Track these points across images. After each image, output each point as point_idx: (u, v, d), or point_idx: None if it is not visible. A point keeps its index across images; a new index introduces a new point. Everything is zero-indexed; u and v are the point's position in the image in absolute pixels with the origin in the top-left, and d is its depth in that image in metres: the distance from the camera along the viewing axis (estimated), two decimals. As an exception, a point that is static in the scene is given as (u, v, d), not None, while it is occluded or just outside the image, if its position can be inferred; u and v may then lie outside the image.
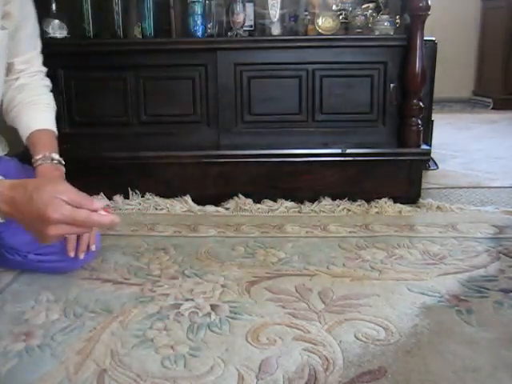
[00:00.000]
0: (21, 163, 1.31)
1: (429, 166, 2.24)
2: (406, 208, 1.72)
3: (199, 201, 1.78)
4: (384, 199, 1.76)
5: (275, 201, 1.78)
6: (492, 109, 4.14)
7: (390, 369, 0.88)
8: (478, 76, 4.57)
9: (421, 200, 1.78)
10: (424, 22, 1.71)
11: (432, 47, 2.00)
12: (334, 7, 1.92)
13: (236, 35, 1.82)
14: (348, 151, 1.76)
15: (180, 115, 1.85)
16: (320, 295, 1.14)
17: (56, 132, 1.27)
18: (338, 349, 0.94)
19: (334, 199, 1.78)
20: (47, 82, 1.32)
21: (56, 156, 1.21)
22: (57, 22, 1.79)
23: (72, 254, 1.16)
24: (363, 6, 1.88)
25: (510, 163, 2.38)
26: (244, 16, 1.81)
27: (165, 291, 1.17)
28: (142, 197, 1.80)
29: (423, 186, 1.85)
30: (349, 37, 1.83)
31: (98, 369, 0.89)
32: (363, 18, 1.84)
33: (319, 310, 1.08)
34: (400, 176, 1.79)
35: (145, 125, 1.87)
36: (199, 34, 1.81)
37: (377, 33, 1.80)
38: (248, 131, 1.85)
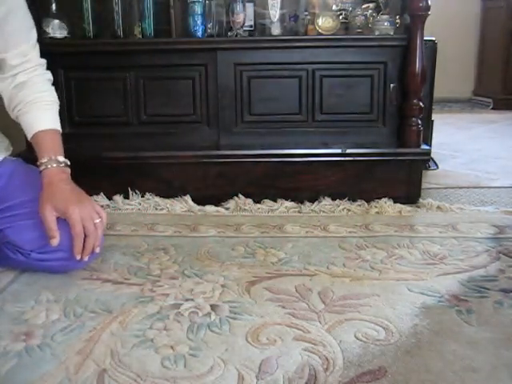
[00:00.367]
0: (25, 163, 1.31)
1: (429, 166, 2.24)
2: (406, 208, 1.72)
3: (199, 201, 1.78)
4: (384, 199, 1.76)
5: (275, 201, 1.78)
6: (492, 109, 4.14)
7: (390, 369, 0.88)
8: (477, 76, 4.57)
9: (421, 200, 1.78)
10: (424, 22, 1.71)
11: (432, 47, 2.00)
12: (334, 7, 1.92)
13: (236, 35, 1.82)
14: (348, 151, 1.76)
15: (180, 115, 1.85)
16: (320, 295, 1.14)
17: (60, 129, 1.26)
18: (338, 349, 0.94)
19: (334, 199, 1.78)
20: (48, 75, 1.28)
21: (61, 158, 1.21)
22: (57, 21, 1.79)
23: (79, 257, 1.16)
24: (363, 6, 1.88)
25: (510, 163, 2.38)
26: (244, 16, 1.81)
27: (165, 291, 1.17)
28: (142, 197, 1.80)
29: (423, 186, 1.85)
30: (349, 37, 1.83)
31: (98, 369, 0.89)
32: (363, 18, 1.84)
33: (319, 310, 1.08)
34: (400, 176, 1.79)
35: (145, 125, 1.87)
36: (199, 34, 1.81)
37: (377, 33, 1.80)
38: (248, 131, 1.85)
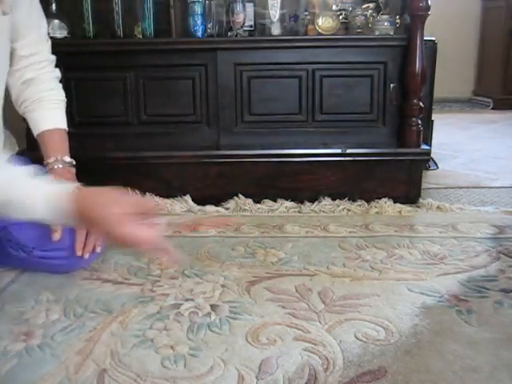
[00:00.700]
0: (30, 162, 1.31)
1: (429, 166, 2.24)
2: (406, 208, 1.72)
3: (199, 201, 1.78)
4: (384, 199, 1.76)
5: (275, 201, 1.78)
6: (492, 109, 4.14)
7: (390, 369, 0.88)
8: (477, 76, 4.57)
9: (421, 200, 1.78)
10: (424, 22, 1.71)
11: (432, 47, 2.00)
12: (334, 7, 1.92)
13: (236, 35, 1.82)
14: (348, 151, 1.76)
15: (180, 115, 1.85)
16: (320, 295, 1.14)
17: (66, 128, 1.26)
18: (338, 349, 0.94)
19: (333, 199, 1.78)
20: (56, 73, 1.28)
21: (67, 158, 1.21)
22: (57, 22, 1.78)
23: (79, 253, 1.16)
24: (363, 6, 1.88)
25: (510, 163, 2.38)
26: (244, 16, 1.81)
27: (165, 291, 1.17)
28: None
29: (423, 186, 1.85)
30: (349, 37, 1.83)
31: (98, 369, 0.89)
32: (363, 18, 1.84)
33: (319, 310, 1.08)
34: (400, 176, 1.79)
35: (145, 125, 1.87)
36: (199, 34, 1.81)
37: (377, 33, 1.80)
38: (248, 131, 1.85)
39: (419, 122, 1.78)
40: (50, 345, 0.96)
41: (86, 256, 1.18)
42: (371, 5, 1.86)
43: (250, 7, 1.89)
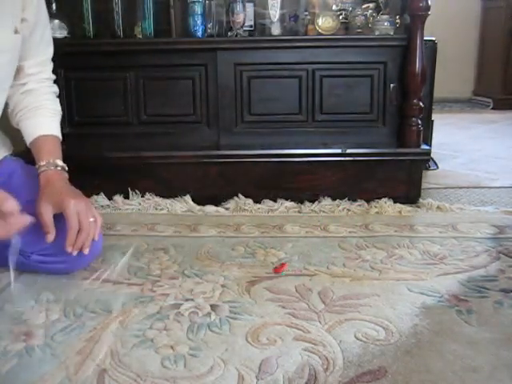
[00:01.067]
0: (25, 164, 1.31)
1: (429, 166, 2.24)
2: (406, 208, 1.72)
3: (199, 201, 1.78)
4: (384, 199, 1.76)
5: (275, 201, 1.78)
6: (492, 109, 4.14)
7: (390, 369, 0.88)
8: (477, 76, 4.57)
9: (421, 200, 1.78)
10: (424, 22, 1.71)
11: (432, 47, 2.00)
12: (334, 7, 1.92)
13: (236, 35, 1.82)
14: (348, 151, 1.76)
15: (180, 115, 1.85)
16: (320, 295, 1.14)
17: (60, 137, 1.28)
18: (338, 349, 0.94)
19: (334, 199, 1.78)
20: (55, 88, 1.33)
21: (60, 162, 1.21)
22: (57, 22, 1.79)
23: (70, 249, 1.13)
24: (363, 6, 1.88)
25: (510, 163, 2.38)
26: (244, 16, 1.81)
27: (165, 291, 1.17)
28: (142, 197, 1.80)
29: (423, 186, 1.85)
30: (349, 37, 1.83)
31: (98, 369, 0.89)
32: (363, 18, 1.84)
33: (319, 310, 1.08)
34: (400, 176, 1.79)
35: (145, 125, 1.87)
36: (199, 34, 1.81)
37: (377, 33, 1.80)
38: (248, 131, 1.85)
39: (419, 122, 1.78)
40: (49, 345, 0.96)
41: (75, 253, 1.15)
42: (371, 5, 1.87)
43: (249, 7, 1.89)
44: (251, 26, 1.92)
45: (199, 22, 1.80)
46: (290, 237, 1.50)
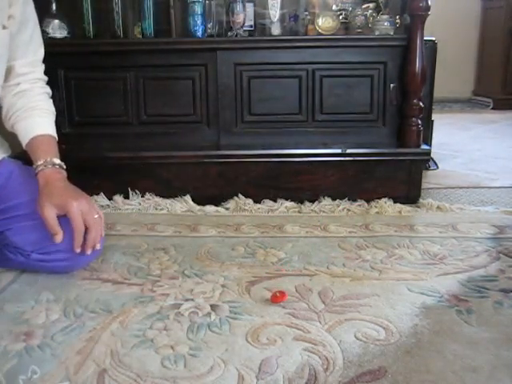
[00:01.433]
0: (23, 165, 1.31)
1: (429, 166, 2.24)
2: (405, 208, 1.72)
3: (199, 201, 1.78)
4: (384, 199, 1.76)
5: (275, 201, 1.78)
6: (492, 109, 4.14)
7: (390, 369, 0.88)
8: (477, 76, 4.57)
9: (421, 200, 1.78)
10: (424, 22, 1.71)
11: (432, 47, 2.00)
12: (334, 7, 1.92)
13: (236, 35, 1.82)
14: (348, 151, 1.76)
15: (180, 115, 1.85)
16: (320, 295, 1.14)
17: (56, 137, 1.27)
18: (338, 349, 0.94)
19: (334, 199, 1.78)
20: (47, 89, 1.32)
21: (57, 161, 1.21)
22: (57, 21, 1.79)
23: (78, 250, 1.16)
24: (363, 6, 1.88)
25: (510, 163, 2.38)
26: (244, 16, 1.81)
27: (165, 291, 1.17)
28: (142, 197, 1.80)
29: (423, 185, 1.85)
30: (349, 37, 1.83)
31: (98, 369, 0.89)
32: (363, 18, 1.84)
33: (319, 310, 1.08)
34: (400, 176, 1.79)
35: (145, 125, 1.87)
36: (199, 34, 1.81)
37: (377, 33, 1.80)
38: (248, 131, 1.85)
39: (419, 122, 1.78)
40: (49, 345, 0.96)
41: (89, 252, 1.17)
42: (371, 5, 1.86)
43: (249, 7, 1.89)
44: (251, 26, 1.92)
45: (199, 22, 1.80)
46: (289, 237, 1.50)
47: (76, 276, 1.24)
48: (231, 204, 1.76)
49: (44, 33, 1.77)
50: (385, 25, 1.79)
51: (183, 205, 1.76)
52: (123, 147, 1.83)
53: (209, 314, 1.07)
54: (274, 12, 1.83)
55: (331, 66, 1.81)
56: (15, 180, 1.25)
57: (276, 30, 1.85)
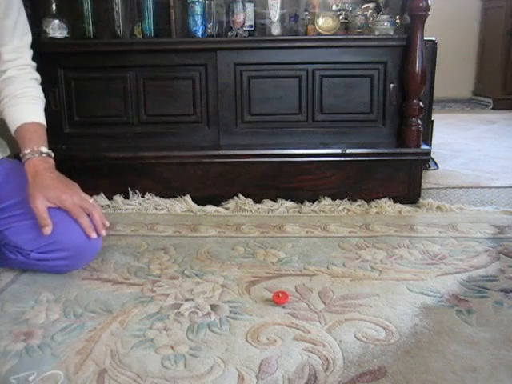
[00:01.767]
0: (22, 165, 1.31)
1: (429, 166, 2.24)
2: (405, 208, 1.72)
3: (199, 201, 1.78)
4: (384, 199, 1.76)
5: (275, 201, 1.78)
6: (492, 109, 4.14)
7: (390, 369, 0.88)
8: (478, 76, 4.57)
9: (421, 200, 1.78)
10: (424, 22, 1.71)
11: (432, 47, 2.00)
12: (334, 7, 1.92)
13: (236, 35, 1.82)
14: (348, 151, 1.76)
15: (180, 115, 1.85)
16: (320, 295, 1.14)
17: (45, 124, 1.26)
18: (338, 349, 0.94)
19: (333, 199, 1.78)
20: (36, 75, 1.31)
21: (44, 149, 1.21)
22: (57, 21, 1.78)
23: (94, 235, 1.17)
24: (363, 6, 1.88)
25: (510, 163, 2.38)
26: (244, 16, 1.81)
27: (165, 291, 1.17)
28: (142, 197, 1.80)
29: (423, 185, 1.85)
30: (349, 37, 1.83)
31: (98, 369, 0.89)
32: (363, 18, 1.84)
33: (319, 310, 1.08)
34: (400, 176, 1.79)
35: (145, 125, 1.87)
36: (199, 34, 1.81)
37: (377, 33, 1.80)
38: (248, 131, 1.85)
39: (419, 122, 1.78)
40: (49, 345, 0.96)
41: (104, 233, 1.19)
42: (371, 5, 1.86)
43: (249, 7, 1.89)
44: (251, 26, 1.92)
45: (199, 22, 1.80)
46: (290, 237, 1.50)
47: (76, 276, 1.24)
48: (231, 204, 1.76)
49: (44, 33, 1.78)
50: (385, 25, 1.79)
51: (183, 205, 1.76)
52: (123, 147, 1.83)
53: (209, 314, 1.07)
54: (274, 12, 1.83)
55: (331, 66, 1.81)
56: (14, 179, 1.25)
57: (276, 30, 1.85)
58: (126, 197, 1.81)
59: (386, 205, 1.73)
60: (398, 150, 1.79)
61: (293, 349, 0.94)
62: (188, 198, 1.78)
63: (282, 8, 1.85)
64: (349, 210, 1.72)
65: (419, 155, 1.80)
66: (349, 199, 1.78)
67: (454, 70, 4.36)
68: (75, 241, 1.17)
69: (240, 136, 1.85)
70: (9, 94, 1.24)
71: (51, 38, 1.79)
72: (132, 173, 1.81)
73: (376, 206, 1.73)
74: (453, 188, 1.99)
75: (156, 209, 1.75)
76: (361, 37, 1.82)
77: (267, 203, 1.77)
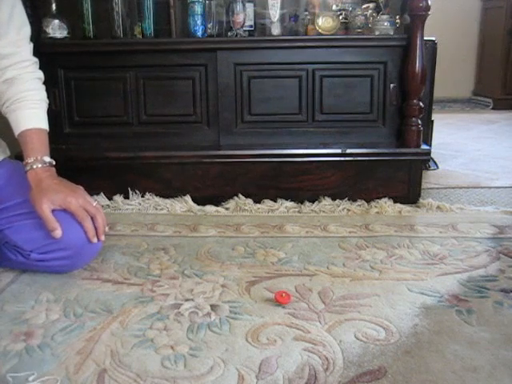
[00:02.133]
0: (23, 165, 1.31)
1: (429, 166, 2.24)
2: (405, 208, 1.72)
3: (199, 201, 1.78)
4: (384, 199, 1.76)
5: (275, 201, 1.78)
6: (492, 109, 4.14)
7: (390, 369, 0.88)
8: (477, 76, 4.57)
9: (421, 200, 1.78)
10: (424, 22, 1.71)
11: (432, 47, 2.00)
12: (334, 7, 1.92)
13: (236, 35, 1.82)
14: (348, 151, 1.76)
15: (180, 115, 1.85)
16: (320, 295, 1.14)
17: (47, 128, 1.25)
18: (338, 349, 0.94)
19: (333, 199, 1.78)
20: (39, 73, 1.28)
21: (47, 159, 1.21)
22: (57, 21, 1.78)
23: (95, 240, 1.18)
24: (363, 6, 1.88)
25: (510, 163, 2.38)
26: (244, 16, 1.81)
27: (165, 291, 1.17)
28: (142, 197, 1.80)
29: (423, 185, 1.85)
30: (349, 37, 1.83)
31: (98, 369, 0.89)
32: (363, 18, 1.84)
33: (319, 310, 1.08)
34: (400, 176, 1.79)
35: (145, 125, 1.87)
36: (199, 34, 1.81)
37: (377, 33, 1.80)
38: (248, 131, 1.85)
39: (419, 122, 1.78)
40: (49, 345, 0.96)
41: (103, 238, 1.20)
42: (371, 5, 1.86)
43: (249, 7, 1.89)
44: (251, 26, 1.92)
45: (199, 22, 1.80)
46: (290, 237, 1.50)
47: (76, 276, 1.24)
48: (231, 204, 1.76)
49: (44, 33, 1.77)
50: (385, 25, 1.79)
51: (183, 205, 1.76)
52: (123, 147, 1.83)
53: (209, 314, 1.07)
54: (274, 12, 1.83)
55: (331, 65, 1.81)
56: (16, 180, 1.25)
57: (276, 30, 1.85)
58: (126, 197, 1.81)
59: (386, 205, 1.73)
60: (397, 150, 1.79)
61: (293, 349, 0.94)
62: (188, 198, 1.78)
63: (282, 8, 1.85)
64: (349, 209, 1.72)
65: (419, 155, 1.80)
66: (349, 199, 1.78)
67: (454, 70, 4.36)
68: (75, 240, 1.17)
69: (240, 136, 1.85)
70: (10, 98, 1.22)
71: (51, 38, 1.79)
72: (132, 173, 1.81)
73: (376, 206, 1.73)
74: (453, 188, 1.99)
75: (156, 209, 1.75)
76: (361, 37, 1.82)
77: (267, 203, 1.77)
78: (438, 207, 1.73)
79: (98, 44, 1.83)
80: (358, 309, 1.08)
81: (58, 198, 1.14)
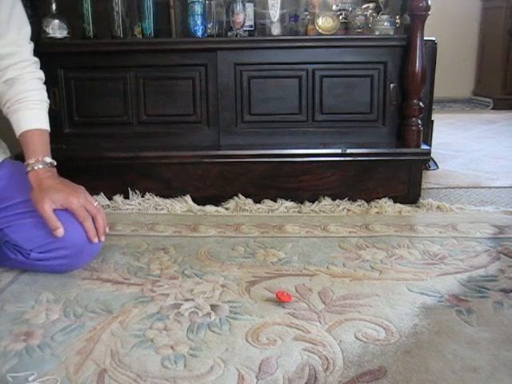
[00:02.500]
0: (23, 166, 1.31)
1: (429, 166, 2.24)
2: (405, 208, 1.72)
3: (199, 201, 1.78)
4: (384, 199, 1.76)
5: (275, 201, 1.78)
6: (492, 109, 4.14)
7: (390, 369, 0.88)
8: (477, 76, 4.57)
9: (421, 200, 1.78)
10: (424, 22, 1.71)
11: (432, 47, 2.00)
12: (334, 7, 1.92)
13: (236, 35, 1.82)
14: (348, 151, 1.76)
15: (180, 115, 1.85)
16: (320, 295, 1.14)
17: (48, 129, 1.25)
18: (338, 349, 0.94)
19: (333, 199, 1.78)
20: (39, 73, 1.28)
21: (48, 159, 1.21)
22: (57, 21, 1.78)
23: (96, 240, 1.18)
24: (363, 6, 1.88)
25: (510, 163, 2.38)
26: (244, 16, 1.81)
27: (165, 291, 1.17)
28: (142, 197, 1.80)
29: (423, 185, 1.85)
30: (349, 37, 1.83)
31: (98, 369, 0.89)
32: (363, 18, 1.84)
33: (319, 310, 1.08)
34: (400, 176, 1.79)
35: (145, 125, 1.87)
36: (199, 34, 1.81)
37: (377, 33, 1.80)
38: (248, 131, 1.85)
39: (419, 122, 1.78)
40: (49, 345, 0.96)
41: (103, 239, 1.20)
42: (371, 5, 1.86)
43: (249, 7, 1.89)
44: (251, 26, 1.92)
45: (199, 22, 1.80)
46: (290, 237, 1.50)
47: (76, 276, 1.24)
48: (231, 204, 1.76)
49: (44, 33, 1.77)
50: (385, 25, 1.79)
51: (183, 205, 1.76)
52: (123, 147, 1.83)
53: (209, 314, 1.07)
54: (274, 12, 1.83)
55: (331, 65, 1.81)
56: (16, 180, 1.26)
57: (276, 30, 1.85)
58: (126, 197, 1.81)
59: (386, 205, 1.73)
60: (397, 150, 1.79)
61: (293, 349, 0.94)
62: (188, 198, 1.78)
63: (282, 8, 1.85)
64: (349, 210, 1.72)
65: (419, 155, 1.80)
66: (349, 199, 1.78)
67: (454, 70, 4.36)
68: (76, 240, 1.18)
69: (240, 136, 1.85)
70: (11, 98, 1.22)
71: (51, 37, 1.78)
72: (132, 173, 1.81)
73: (376, 206, 1.73)
74: (453, 188, 1.99)
75: (156, 209, 1.75)
76: (361, 37, 1.82)
77: (267, 203, 1.77)
78: (438, 207, 1.73)
79: (98, 44, 1.83)
80: (358, 309, 1.08)
81: (60, 198, 1.14)
